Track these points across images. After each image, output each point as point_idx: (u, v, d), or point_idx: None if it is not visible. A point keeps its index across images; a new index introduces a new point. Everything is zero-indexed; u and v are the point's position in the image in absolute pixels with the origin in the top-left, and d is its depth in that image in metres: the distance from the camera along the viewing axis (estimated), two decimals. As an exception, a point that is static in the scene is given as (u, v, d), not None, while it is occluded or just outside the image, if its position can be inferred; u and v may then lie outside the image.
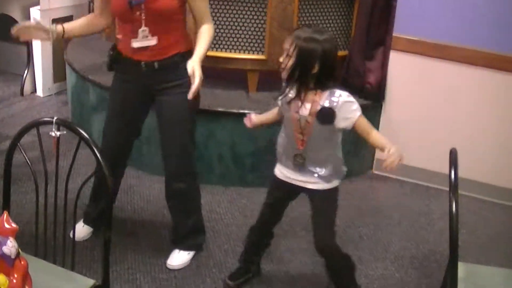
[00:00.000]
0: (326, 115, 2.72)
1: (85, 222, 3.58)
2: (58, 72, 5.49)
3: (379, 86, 4.40)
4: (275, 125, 3.07)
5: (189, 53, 2.99)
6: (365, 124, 2.79)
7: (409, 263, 3.62)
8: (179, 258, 3.43)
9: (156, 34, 2.96)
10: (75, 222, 2.41)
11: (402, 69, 4.35)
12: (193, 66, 2.78)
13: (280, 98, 2.84)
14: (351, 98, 2.74)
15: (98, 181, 3.41)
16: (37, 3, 5.31)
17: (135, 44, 2.97)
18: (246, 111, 4.08)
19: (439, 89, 4.31)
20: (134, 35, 2.97)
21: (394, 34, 4.27)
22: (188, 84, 2.83)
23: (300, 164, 2.84)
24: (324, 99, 2.71)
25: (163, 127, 3.19)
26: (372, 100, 4.42)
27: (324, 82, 2.71)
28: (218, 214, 3.96)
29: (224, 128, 4.13)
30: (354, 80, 4.45)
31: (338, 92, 2.72)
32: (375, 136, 2.81)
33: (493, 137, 4.27)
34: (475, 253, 3.75)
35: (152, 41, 2.96)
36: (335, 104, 2.70)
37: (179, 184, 3.27)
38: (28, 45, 5.38)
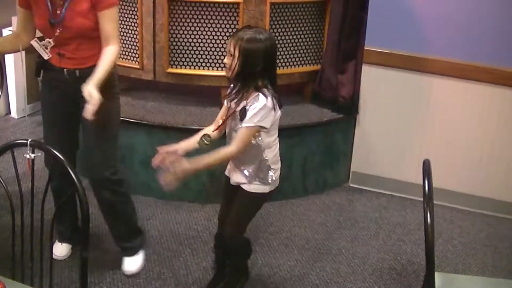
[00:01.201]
0: (242, 114, 2.80)
1: (61, 240, 3.61)
2: (32, 92, 5.46)
3: (352, 99, 4.43)
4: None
5: None
6: (239, 134, 2.81)
7: (387, 274, 3.64)
8: (131, 263, 3.51)
9: (78, 46, 3.08)
10: (52, 243, 2.40)
11: (374, 82, 4.39)
12: (89, 89, 2.83)
13: (227, 97, 2.93)
14: (258, 110, 2.75)
15: (56, 195, 3.44)
16: (9, 24, 5.29)
17: (33, 43, 3.11)
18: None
19: (412, 101, 4.35)
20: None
21: (365, 47, 4.31)
22: (110, 93, 3.07)
23: (204, 145, 2.94)
24: (250, 99, 2.78)
25: (85, 134, 3.28)
26: (346, 113, 4.46)
27: (253, 78, 2.78)
28: (195, 231, 3.95)
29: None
30: (327, 94, 4.49)
31: (262, 98, 2.76)
32: (225, 155, 2.85)
33: (466, 146, 4.31)
34: (452, 262, 3.79)
35: (45, 55, 3.10)
36: (250, 103, 2.78)
37: (105, 192, 3.34)
38: (1, 65, 5.35)
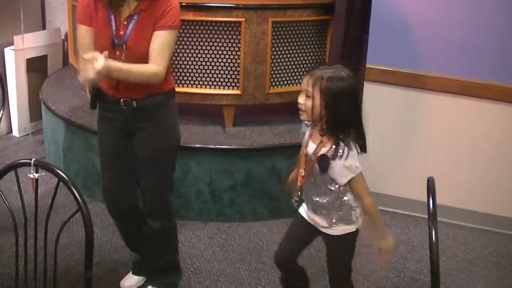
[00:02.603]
0: (323, 162, 2.65)
1: (134, 273, 3.56)
2: (34, 111, 5.48)
3: (354, 117, 4.43)
4: (252, 159, 3.05)
5: (170, 92, 3.03)
6: (358, 187, 2.71)
7: (391, 292, 3.64)
8: None
9: None
10: (55, 263, 2.39)
11: (376, 99, 4.39)
12: (101, 60, 2.61)
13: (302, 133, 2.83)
14: (353, 161, 2.64)
15: (124, 230, 3.41)
16: (11, 43, 5.31)
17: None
18: (223, 146, 4.12)
19: (414, 118, 4.36)
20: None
21: (367, 65, 4.32)
22: (168, 125, 2.89)
23: (295, 202, 2.81)
24: (333, 148, 2.63)
25: (140, 165, 3.14)
26: (348, 130, 4.45)
27: (341, 125, 2.63)
28: (198, 250, 3.94)
29: (201, 164, 4.14)
30: (329, 112, 4.49)
31: (345, 148, 2.62)
32: (369, 206, 2.74)
33: (468, 163, 4.32)
34: (456, 279, 3.78)
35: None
36: (337, 157, 2.62)
37: (155, 222, 3.23)
38: (3, 84, 5.36)
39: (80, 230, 3.80)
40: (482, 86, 4.14)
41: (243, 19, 4.16)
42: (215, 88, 4.32)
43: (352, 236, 2.86)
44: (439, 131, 4.33)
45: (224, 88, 4.31)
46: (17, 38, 5.22)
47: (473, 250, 4.14)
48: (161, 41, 2.85)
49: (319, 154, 2.66)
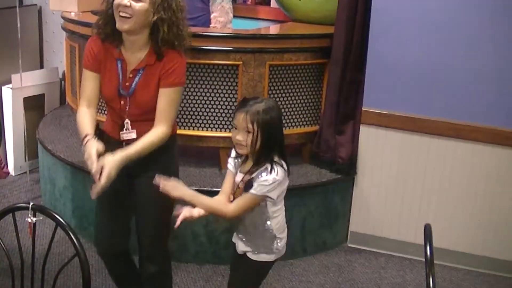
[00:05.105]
0: (249, 184, 2.73)
1: None
2: (31, 150, 5.48)
3: (350, 160, 4.45)
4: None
5: (173, 137, 3.06)
6: (240, 201, 2.74)
7: (387, 337, 3.62)
8: None
9: (137, 122, 2.97)
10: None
11: (372, 142, 4.41)
12: (107, 165, 2.72)
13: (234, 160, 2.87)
14: (270, 182, 2.68)
15: (114, 272, 3.37)
16: (9, 82, 5.34)
17: (123, 136, 3.00)
18: (219, 189, 4.11)
19: (410, 161, 4.37)
20: (119, 122, 2.99)
21: (363, 108, 4.35)
22: (170, 169, 2.95)
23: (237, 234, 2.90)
24: (259, 171, 2.70)
25: (140, 208, 3.14)
26: (344, 173, 4.47)
27: (269, 152, 2.71)
28: (194, 292, 3.93)
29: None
30: (326, 155, 4.51)
31: (274, 170, 2.69)
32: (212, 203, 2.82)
33: (464, 206, 4.32)
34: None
35: (132, 134, 2.97)
36: (259, 175, 2.70)
37: (153, 266, 3.20)
38: (0, 122, 5.38)
39: (76, 271, 3.81)
40: (476, 129, 4.17)
41: (241, 62, 4.20)
42: (212, 130, 4.34)
43: (266, 266, 2.92)
44: (434, 174, 4.35)
45: (221, 131, 4.33)
46: (15, 77, 5.25)
47: (469, 294, 4.14)
48: (167, 100, 2.92)
49: (247, 180, 2.73)
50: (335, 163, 4.48)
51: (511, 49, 4.01)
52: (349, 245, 4.64)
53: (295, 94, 4.47)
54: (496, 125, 4.14)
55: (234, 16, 4.86)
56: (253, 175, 2.71)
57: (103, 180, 2.70)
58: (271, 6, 5.83)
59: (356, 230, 4.61)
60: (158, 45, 2.88)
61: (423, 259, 2.48)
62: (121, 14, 2.80)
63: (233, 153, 2.88)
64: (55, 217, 2.30)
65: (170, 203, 3.10)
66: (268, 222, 2.80)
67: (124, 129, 3.00)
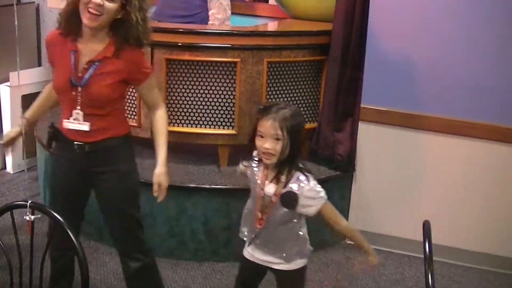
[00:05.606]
0: (290, 199, 2.64)
1: None
2: (29, 148, 5.46)
3: (348, 157, 4.45)
4: (247, 198, 3.03)
5: (125, 137, 3.06)
6: (330, 212, 2.73)
7: (386, 334, 3.62)
8: None
9: (90, 117, 2.91)
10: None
11: (371, 139, 4.41)
12: (160, 180, 2.97)
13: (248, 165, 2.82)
14: (317, 186, 2.68)
15: (54, 261, 3.28)
16: (7, 80, 5.33)
17: (66, 125, 2.94)
18: (218, 186, 4.13)
19: (408, 158, 4.38)
20: (69, 114, 2.93)
21: (362, 105, 4.35)
22: (124, 169, 3.01)
23: (255, 244, 2.80)
24: (293, 181, 2.65)
25: (105, 213, 3.14)
26: (342, 170, 4.47)
27: (294, 159, 2.65)
28: (193, 290, 3.93)
29: (196, 204, 4.13)
30: (324, 152, 4.51)
31: (305, 177, 2.66)
32: (347, 228, 2.81)
33: (463, 202, 4.32)
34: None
35: (83, 127, 2.91)
36: (301, 188, 2.64)
37: (133, 262, 3.18)
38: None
39: (75, 269, 3.79)
40: (474, 126, 4.17)
41: (239, 59, 4.19)
42: (210, 127, 4.33)
43: (304, 270, 2.87)
44: (433, 171, 4.35)
45: (219, 128, 4.33)
46: (12, 75, 5.23)
47: (468, 290, 4.14)
48: (151, 89, 3.09)
49: (283, 192, 2.65)
50: (334, 160, 4.48)
51: (509, 46, 4.01)
52: (348, 242, 4.63)
53: (293, 91, 4.46)
54: (494, 122, 4.14)
55: (232, 13, 4.85)
56: (287, 187, 2.65)
57: (161, 197, 3.01)
58: (269, 3, 5.81)
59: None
60: (121, 41, 2.88)
61: (422, 256, 2.49)
62: (91, 10, 2.77)
63: (254, 163, 2.79)
64: (54, 215, 2.30)
65: (131, 201, 3.13)
66: (301, 232, 2.77)
67: (71, 118, 2.91)
